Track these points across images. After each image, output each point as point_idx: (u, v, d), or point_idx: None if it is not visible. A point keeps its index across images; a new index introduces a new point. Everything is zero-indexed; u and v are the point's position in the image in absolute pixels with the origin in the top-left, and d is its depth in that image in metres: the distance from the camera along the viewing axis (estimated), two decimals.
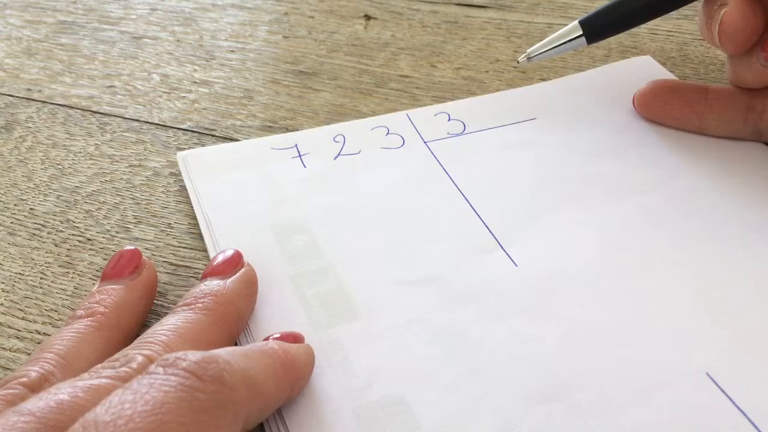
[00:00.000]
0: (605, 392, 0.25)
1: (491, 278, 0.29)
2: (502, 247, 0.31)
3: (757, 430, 0.24)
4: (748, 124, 0.34)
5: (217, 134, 0.39)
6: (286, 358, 0.24)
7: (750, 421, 0.24)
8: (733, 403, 0.25)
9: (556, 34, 0.36)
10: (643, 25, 0.38)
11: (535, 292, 0.29)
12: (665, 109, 0.36)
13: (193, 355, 0.21)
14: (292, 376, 0.25)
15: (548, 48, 0.36)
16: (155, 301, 0.30)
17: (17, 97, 0.42)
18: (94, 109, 0.41)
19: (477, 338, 0.27)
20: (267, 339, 0.27)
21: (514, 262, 0.30)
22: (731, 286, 0.28)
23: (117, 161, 0.37)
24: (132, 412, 0.19)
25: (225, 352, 0.22)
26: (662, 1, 0.35)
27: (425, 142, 0.36)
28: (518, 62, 0.38)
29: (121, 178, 0.36)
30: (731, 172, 0.33)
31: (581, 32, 0.36)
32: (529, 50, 0.36)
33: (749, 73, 0.33)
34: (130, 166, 0.37)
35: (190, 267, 0.31)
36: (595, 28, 0.36)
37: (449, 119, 0.38)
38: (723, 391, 0.25)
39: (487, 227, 0.31)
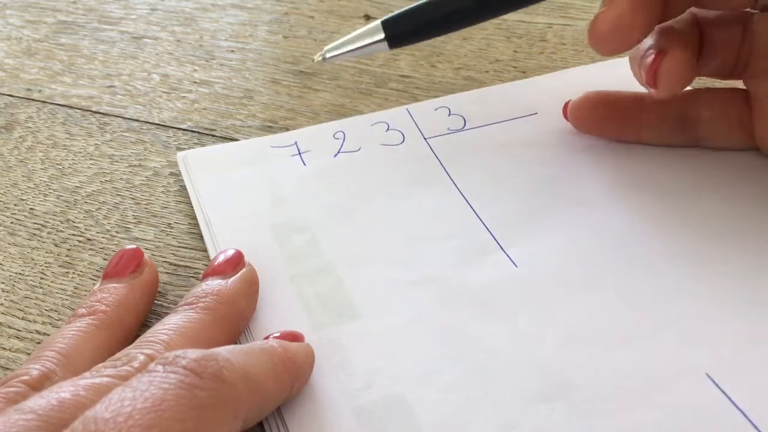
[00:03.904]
0: (605, 392, 0.25)
1: (491, 279, 0.29)
2: (501, 248, 0.31)
3: (757, 430, 0.24)
4: (685, 133, 0.34)
5: (217, 134, 0.39)
6: (285, 356, 0.24)
7: (750, 421, 0.24)
8: (733, 403, 0.25)
9: (356, 33, 0.32)
10: None
11: (535, 292, 0.29)
12: (601, 124, 0.34)
13: (193, 353, 0.21)
14: (292, 374, 0.25)
15: (347, 49, 0.32)
16: (155, 301, 0.30)
17: (17, 97, 0.42)
18: (94, 109, 0.41)
19: (477, 338, 0.27)
20: (267, 338, 0.27)
21: (514, 263, 0.30)
22: (731, 286, 0.28)
23: (117, 161, 0.37)
24: (131, 409, 0.19)
25: (225, 350, 0.22)
26: (477, 8, 0.31)
27: (425, 139, 0.36)
28: (314, 60, 0.33)
29: (121, 178, 0.36)
30: (731, 174, 0.33)
31: (383, 35, 0.31)
32: (325, 48, 0.32)
33: (635, 73, 0.32)
34: (130, 166, 0.37)
35: (190, 267, 0.32)
36: (400, 33, 0.31)
37: (449, 114, 0.38)
38: (723, 391, 0.25)
39: (487, 228, 0.31)
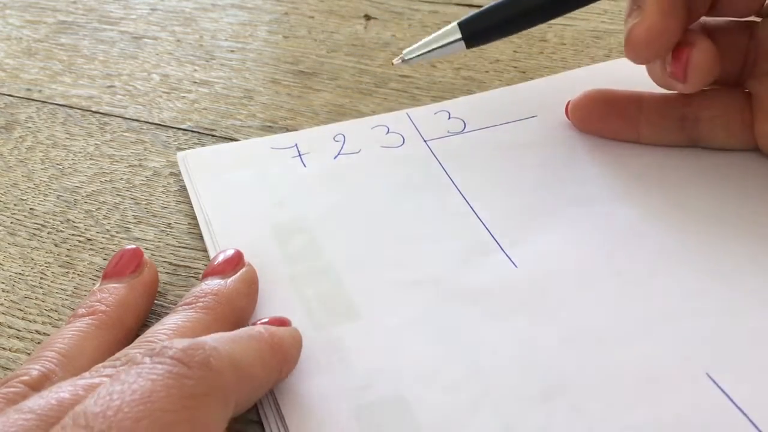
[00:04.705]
0: (605, 392, 0.25)
1: (491, 279, 0.29)
2: (501, 249, 0.31)
3: (758, 430, 0.24)
4: (684, 132, 0.34)
5: (217, 134, 0.39)
6: (272, 341, 0.24)
7: (750, 421, 0.24)
8: (733, 403, 0.25)
9: (433, 35, 0.34)
10: None
11: (535, 292, 0.29)
12: (601, 122, 0.35)
13: (179, 343, 0.21)
14: (280, 358, 0.25)
15: (425, 50, 0.34)
16: (155, 301, 0.30)
17: (17, 97, 0.42)
18: (94, 109, 0.41)
19: (477, 338, 0.27)
20: (254, 324, 0.27)
21: (513, 263, 0.30)
22: (731, 286, 0.28)
23: (117, 161, 0.37)
24: (120, 402, 0.19)
25: (211, 339, 0.22)
26: (550, 5, 0.33)
27: (425, 141, 0.36)
28: (393, 64, 0.35)
29: (121, 178, 0.36)
30: (732, 174, 0.33)
31: (460, 36, 0.33)
32: (404, 51, 0.34)
33: (654, 74, 0.33)
34: (130, 166, 0.37)
35: (190, 267, 0.31)
36: (475, 32, 0.33)
37: (449, 117, 0.38)
38: (723, 391, 0.25)
39: (487, 228, 0.31)
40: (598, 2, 0.34)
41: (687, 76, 0.30)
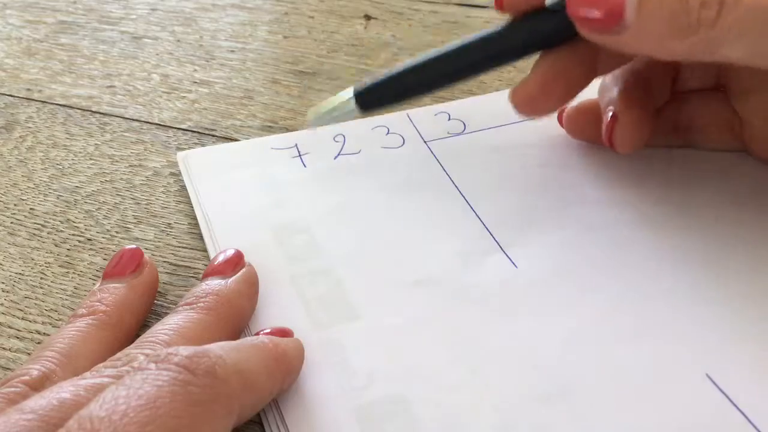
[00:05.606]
0: (605, 392, 0.25)
1: (491, 279, 0.29)
2: (501, 249, 0.31)
3: (757, 430, 0.24)
4: (678, 138, 0.34)
5: (217, 134, 0.39)
6: (276, 352, 0.24)
7: (750, 421, 0.24)
8: (733, 403, 0.25)
9: (332, 101, 0.33)
10: None
11: (535, 293, 0.29)
12: (593, 133, 0.34)
13: (185, 350, 0.21)
14: (283, 368, 0.25)
15: (324, 120, 0.33)
16: (156, 301, 0.30)
17: (17, 97, 0.42)
18: (94, 109, 0.41)
19: (477, 338, 0.27)
20: (257, 334, 0.27)
21: (513, 263, 0.30)
22: (731, 286, 0.28)
23: (117, 161, 0.37)
24: (126, 407, 0.19)
25: (217, 347, 0.22)
26: (449, 76, 0.31)
27: (425, 142, 0.36)
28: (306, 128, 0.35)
29: (121, 178, 0.36)
30: (729, 175, 0.33)
31: (354, 105, 0.32)
32: (308, 115, 0.34)
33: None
34: (130, 166, 0.37)
35: (190, 267, 0.32)
36: (370, 101, 0.32)
37: (449, 119, 0.38)
38: (723, 392, 0.25)
39: (487, 229, 0.31)
40: None
41: (614, 146, 0.32)
